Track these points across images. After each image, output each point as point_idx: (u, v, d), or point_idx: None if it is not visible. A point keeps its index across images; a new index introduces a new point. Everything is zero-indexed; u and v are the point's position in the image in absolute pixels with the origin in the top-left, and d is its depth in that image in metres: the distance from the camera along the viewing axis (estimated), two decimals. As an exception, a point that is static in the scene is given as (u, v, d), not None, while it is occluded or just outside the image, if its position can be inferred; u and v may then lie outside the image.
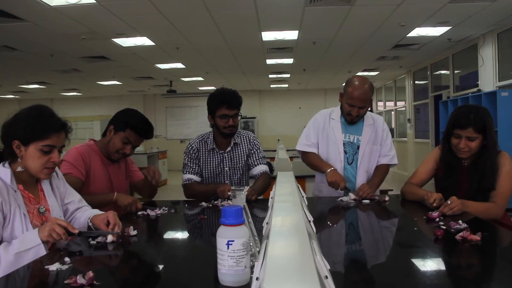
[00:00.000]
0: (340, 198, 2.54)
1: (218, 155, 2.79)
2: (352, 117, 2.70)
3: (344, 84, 2.77)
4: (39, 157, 1.69)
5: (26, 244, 1.52)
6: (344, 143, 2.79)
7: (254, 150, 2.85)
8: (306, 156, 2.89)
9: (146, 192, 2.69)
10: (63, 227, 1.57)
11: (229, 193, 1.25)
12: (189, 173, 2.76)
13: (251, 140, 2.87)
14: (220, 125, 2.69)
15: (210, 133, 2.83)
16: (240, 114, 2.75)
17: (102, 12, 5.41)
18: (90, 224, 1.82)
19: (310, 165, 2.89)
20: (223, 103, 2.64)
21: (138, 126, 2.44)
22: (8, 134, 1.69)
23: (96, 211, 1.94)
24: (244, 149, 2.83)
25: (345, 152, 2.79)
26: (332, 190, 2.72)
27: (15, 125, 1.69)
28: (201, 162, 2.78)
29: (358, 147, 2.78)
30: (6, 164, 1.70)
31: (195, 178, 2.75)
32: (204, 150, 2.79)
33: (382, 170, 2.82)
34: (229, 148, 2.79)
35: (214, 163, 2.78)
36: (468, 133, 2.19)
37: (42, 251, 1.53)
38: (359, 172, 2.78)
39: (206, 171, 2.78)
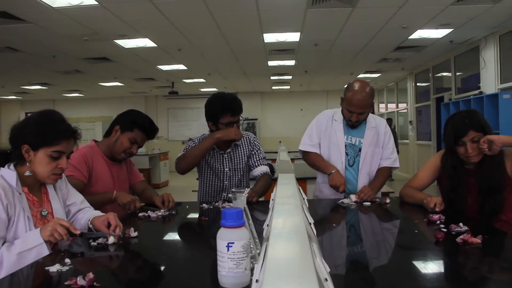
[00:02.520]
0: (341, 200, 2.54)
1: (218, 156, 2.78)
2: (352, 122, 2.71)
3: (344, 88, 2.77)
4: (47, 163, 1.69)
5: (28, 244, 1.52)
6: (345, 145, 2.79)
7: (255, 151, 2.85)
8: (308, 156, 2.89)
9: (146, 199, 2.69)
10: (65, 227, 1.58)
11: (230, 195, 1.25)
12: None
13: (252, 141, 2.87)
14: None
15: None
16: (242, 117, 2.75)
17: (104, 13, 5.43)
18: (91, 225, 1.82)
19: (312, 165, 2.88)
20: (228, 111, 2.63)
21: (146, 126, 2.48)
22: (17, 138, 1.70)
23: (97, 213, 1.94)
24: (244, 150, 2.83)
25: (347, 154, 2.79)
26: (333, 191, 2.72)
27: (26, 130, 1.70)
28: (201, 162, 2.78)
29: (360, 149, 2.78)
30: (12, 166, 1.70)
31: None
32: None
33: (383, 173, 2.81)
34: (229, 149, 2.79)
35: (214, 164, 2.77)
36: (471, 136, 2.17)
37: (45, 251, 1.53)
38: (361, 174, 2.77)
39: (207, 170, 2.78)
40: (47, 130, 1.69)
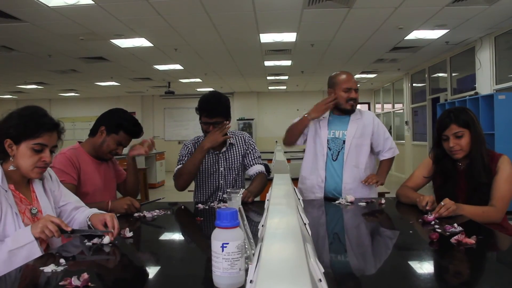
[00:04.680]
0: (338, 202, 2.55)
1: (213, 156, 2.78)
2: (353, 102, 2.79)
3: (328, 83, 2.91)
4: (30, 156, 1.69)
5: (19, 242, 1.52)
6: (328, 140, 2.84)
7: (250, 150, 2.86)
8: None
9: (131, 191, 2.69)
10: (56, 224, 1.57)
11: (225, 195, 1.25)
12: (180, 165, 2.74)
13: (246, 140, 2.88)
14: (204, 130, 2.73)
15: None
16: (226, 121, 2.72)
17: (100, 13, 5.41)
18: (89, 223, 1.82)
19: (290, 129, 2.98)
20: (204, 111, 2.65)
21: (132, 129, 2.52)
22: (0, 133, 1.69)
23: (95, 210, 1.93)
24: (239, 150, 2.83)
25: (329, 149, 2.84)
26: (315, 184, 2.84)
27: (8, 124, 1.69)
28: None
29: (344, 141, 2.83)
30: None
31: None
32: None
33: (388, 162, 2.95)
34: (224, 149, 2.79)
35: (209, 164, 2.77)
36: (453, 130, 2.21)
37: (36, 248, 1.52)
38: (346, 167, 2.81)
39: (201, 171, 2.77)
40: (28, 123, 1.69)
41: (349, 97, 2.77)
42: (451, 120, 2.22)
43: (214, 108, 2.64)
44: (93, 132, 2.53)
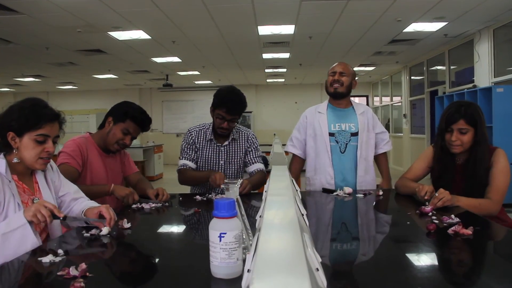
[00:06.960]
0: (336, 193, 2.55)
1: (215, 147, 2.80)
2: (336, 84, 2.84)
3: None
4: (33, 147, 1.71)
5: (12, 225, 1.51)
6: (334, 133, 2.86)
7: (252, 149, 2.87)
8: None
9: (140, 191, 2.66)
10: (49, 209, 1.57)
11: (222, 185, 1.25)
12: (184, 159, 2.78)
13: (250, 138, 2.89)
14: (215, 122, 2.73)
15: (210, 124, 2.84)
16: (238, 121, 2.79)
17: (98, 5, 5.38)
18: (84, 217, 1.82)
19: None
20: (224, 106, 2.63)
21: (138, 117, 2.48)
22: (2, 126, 1.71)
23: (92, 203, 1.94)
24: (241, 146, 2.84)
25: (337, 142, 2.85)
26: (324, 182, 2.84)
27: (9, 117, 1.71)
28: (198, 151, 2.80)
29: (352, 134, 2.85)
30: (1, 155, 1.71)
31: (190, 164, 2.77)
32: (202, 139, 2.80)
33: (386, 160, 3.08)
34: (226, 142, 2.80)
35: (210, 154, 2.79)
36: (460, 125, 2.21)
37: (29, 232, 1.50)
38: (360, 160, 2.85)
39: (202, 160, 2.80)
40: (29, 115, 1.70)
41: (332, 81, 2.85)
42: (461, 115, 2.21)
43: (236, 107, 2.65)
44: (102, 125, 2.53)
